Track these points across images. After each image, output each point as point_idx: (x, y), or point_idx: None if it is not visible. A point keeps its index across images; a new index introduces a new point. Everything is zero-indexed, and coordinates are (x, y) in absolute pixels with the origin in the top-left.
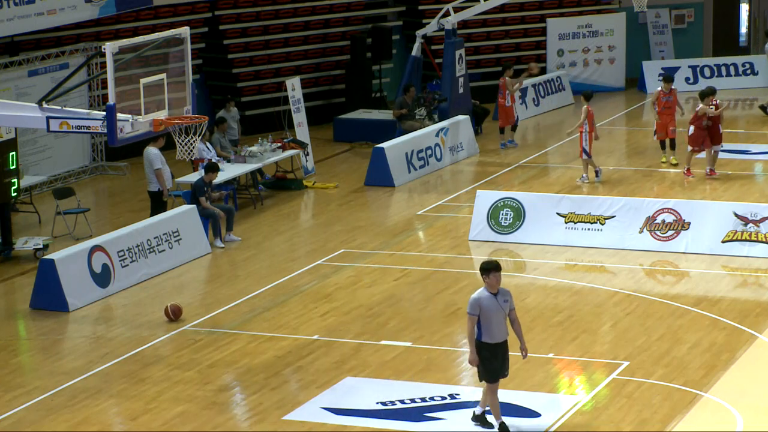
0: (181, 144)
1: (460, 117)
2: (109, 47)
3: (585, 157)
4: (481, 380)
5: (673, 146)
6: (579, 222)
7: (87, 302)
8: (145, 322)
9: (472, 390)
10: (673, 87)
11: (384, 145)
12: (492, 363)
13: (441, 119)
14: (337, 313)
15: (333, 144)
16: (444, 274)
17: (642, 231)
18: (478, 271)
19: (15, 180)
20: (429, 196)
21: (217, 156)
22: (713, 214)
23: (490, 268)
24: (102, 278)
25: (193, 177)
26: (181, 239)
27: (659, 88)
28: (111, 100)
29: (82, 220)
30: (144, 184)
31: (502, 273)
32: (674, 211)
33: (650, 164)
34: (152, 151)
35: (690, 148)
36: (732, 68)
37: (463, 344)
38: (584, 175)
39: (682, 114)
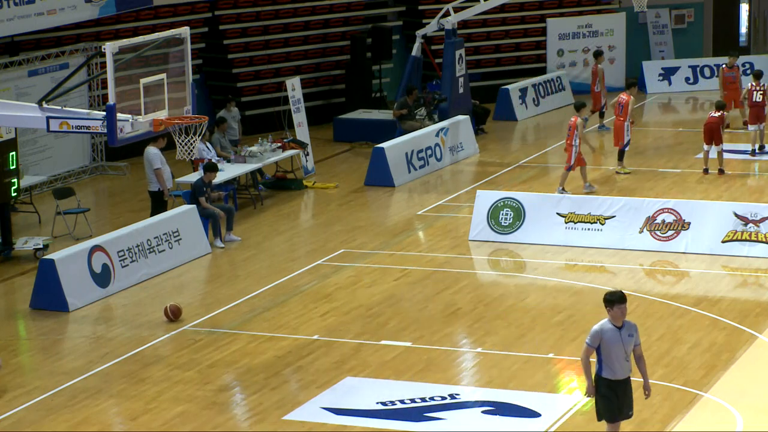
0: (181, 144)
1: (460, 117)
2: (109, 47)
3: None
4: (599, 419)
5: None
6: (579, 222)
7: (87, 302)
8: (145, 322)
9: (472, 390)
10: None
11: (384, 145)
12: (610, 401)
13: (441, 119)
14: (337, 313)
15: (333, 144)
16: (444, 274)
17: (642, 231)
18: (476, 271)
19: (15, 180)
20: (429, 196)
21: (217, 156)
22: (713, 214)
23: (614, 300)
24: (102, 278)
25: (193, 177)
26: (181, 239)
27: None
28: (111, 100)
29: (82, 220)
30: (144, 184)
31: (504, 274)
32: (674, 211)
33: (650, 164)
34: (152, 151)
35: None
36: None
37: (463, 344)
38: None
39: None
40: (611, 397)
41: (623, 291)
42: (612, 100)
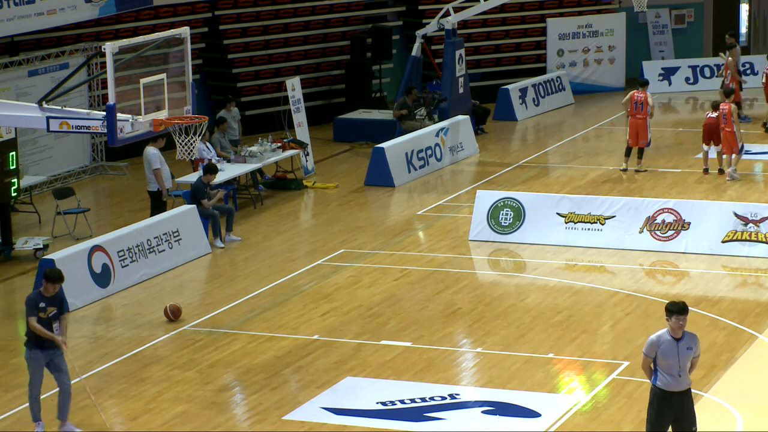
0: (181, 144)
1: (460, 117)
2: (109, 47)
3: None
4: (646, 429)
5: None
6: (579, 222)
7: (87, 302)
8: (145, 322)
9: (472, 390)
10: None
11: (384, 145)
12: (661, 414)
13: (441, 119)
14: (337, 313)
15: (333, 144)
16: (444, 274)
17: (642, 231)
18: (476, 271)
19: (15, 180)
20: (429, 196)
21: (217, 156)
22: (713, 214)
23: (674, 310)
24: (102, 278)
25: (193, 177)
26: (181, 239)
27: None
28: (111, 100)
29: (82, 220)
30: (144, 184)
31: (504, 274)
32: (674, 211)
33: (650, 164)
34: (151, 151)
35: None
36: None
37: (463, 344)
38: (733, 167)
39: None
40: (665, 408)
41: (685, 303)
42: (624, 99)
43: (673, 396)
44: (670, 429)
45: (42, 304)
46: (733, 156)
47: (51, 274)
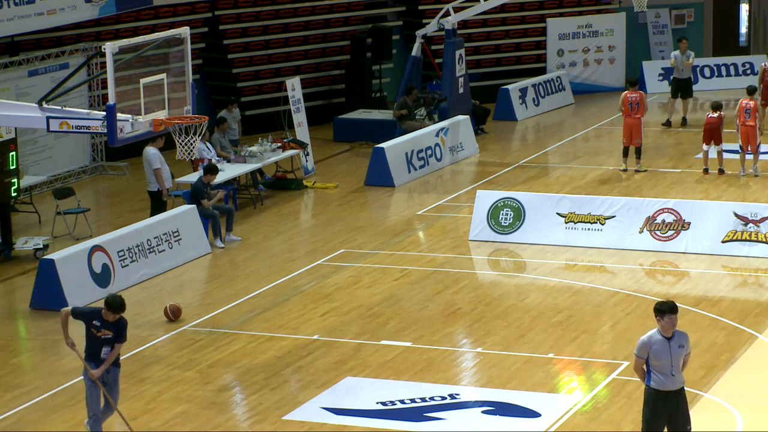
0: (181, 144)
1: (460, 117)
2: (109, 47)
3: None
4: (642, 430)
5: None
6: (579, 222)
7: (87, 302)
8: (145, 322)
9: (472, 390)
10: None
11: (384, 145)
12: (656, 414)
13: (441, 119)
14: (337, 313)
15: (333, 144)
16: (444, 274)
17: (642, 231)
18: (476, 271)
19: (15, 180)
20: (429, 196)
21: (217, 156)
22: (713, 214)
23: (665, 310)
24: (102, 278)
25: (193, 177)
26: (181, 239)
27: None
28: (111, 100)
29: (82, 220)
30: (144, 184)
31: (504, 274)
32: (674, 211)
33: (650, 164)
34: (151, 151)
35: None
36: (732, 68)
37: (463, 344)
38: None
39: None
40: (660, 408)
41: (674, 302)
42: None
43: (668, 395)
44: (665, 429)
45: (96, 323)
46: (750, 155)
47: (111, 303)
